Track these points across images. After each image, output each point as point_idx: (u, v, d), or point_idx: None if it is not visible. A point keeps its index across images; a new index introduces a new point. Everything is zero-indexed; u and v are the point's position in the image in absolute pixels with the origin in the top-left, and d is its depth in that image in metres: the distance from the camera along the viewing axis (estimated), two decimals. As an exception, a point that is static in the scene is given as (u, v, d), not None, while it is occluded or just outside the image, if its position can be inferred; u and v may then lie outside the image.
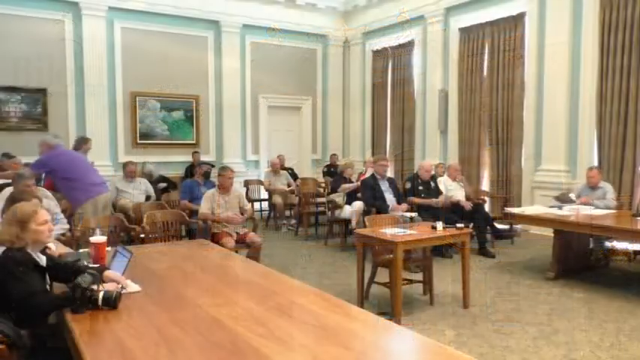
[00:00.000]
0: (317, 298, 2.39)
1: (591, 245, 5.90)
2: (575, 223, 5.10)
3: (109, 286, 2.32)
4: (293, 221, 8.51)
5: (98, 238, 3.05)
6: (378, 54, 10.89)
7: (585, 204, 5.64)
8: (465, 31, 8.79)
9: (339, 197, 7.04)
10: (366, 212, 6.45)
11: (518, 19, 7.94)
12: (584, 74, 7.01)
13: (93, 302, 2.16)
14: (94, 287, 2.22)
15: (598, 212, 5.43)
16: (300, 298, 2.37)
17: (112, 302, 2.18)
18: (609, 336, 3.79)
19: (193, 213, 5.77)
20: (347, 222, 6.92)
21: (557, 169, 7.28)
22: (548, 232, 5.73)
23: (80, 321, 2.07)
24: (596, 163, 6.87)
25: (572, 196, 6.08)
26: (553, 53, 7.34)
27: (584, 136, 7.05)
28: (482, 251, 6.44)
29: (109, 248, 3.25)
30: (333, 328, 1.98)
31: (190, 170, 9.07)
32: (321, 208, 8.06)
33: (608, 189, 5.91)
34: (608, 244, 6.08)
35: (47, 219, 2.43)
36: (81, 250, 3.57)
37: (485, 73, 8.52)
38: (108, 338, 1.92)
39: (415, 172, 6.95)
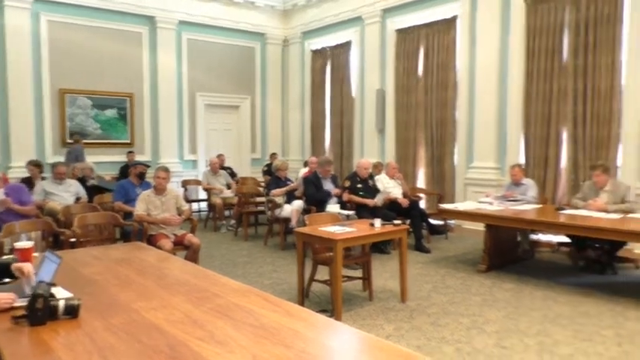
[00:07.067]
0: (257, 298, 2.38)
1: (518, 238, 6.24)
2: (503, 217, 5.37)
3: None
4: (232, 221, 8.42)
5: (24, 243, 2.89)
6: (316, 53, 10.97)
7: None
8: (401, 33, 9.01)
9: (278, 197, 7.04)
10: (305, 211, 6.50)
11: (451, 22, 8.24)
12: (512, 76, 7.37)
13: (53, 312, 2.03)
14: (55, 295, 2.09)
15: (525, 207, 5.74)
16: (240, 299, 2.35)
17: (74, 311, 2.07)
18: (535, 323, 4.02)
19: (128, 215, 5.58)
20: (287, 221, 6.93)
21: (488, 167, 7.63)
22: (480, 227, 5.99)
23: (3, 333, 1.95)
24: (523, 161, 7.25)
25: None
26: (483, 56, 7.67)
27: (513, 135, 7.42)
28: (419, 247, 6.65)
29: (36, 254, 3.09)
30: (274, 328, 1.99)
31: (125, 171, 8.77)
32: (260, 208, 8.01)
33: (529, 185, 6.27)
34: (534, 236, 6.45)
35: None
36: (4, 257, 3.37)
37: (420, 73, 8.78)
38: (36, 351, 1.83)
39: (354, 170, 7.07)
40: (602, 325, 3.96)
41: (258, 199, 8.18)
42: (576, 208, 5.46)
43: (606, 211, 5.14)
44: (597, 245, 5.51)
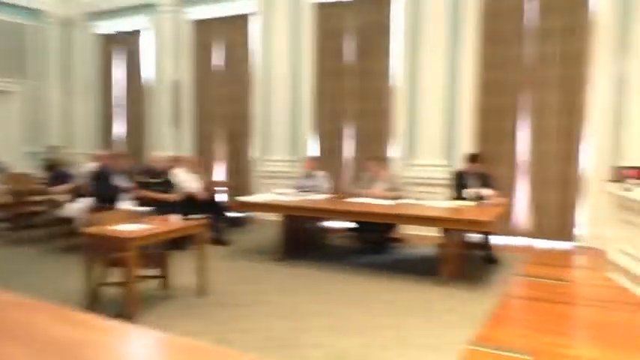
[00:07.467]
0: (39, 309, 2.13)
1: (312, 226, 6.70)
2: (297, 207, 5.72)
3: None
4: (5, 224, 7.32)
5: None
6: (105, 38, 10.13)
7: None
8: (197, 24, 8.89)
9: (62, 195, 6.37)
10: (94, 209, 5.99)
11: (246, 18, 8.42)
12: (303, 75, 7.90)
13: None
14: None
15: (317, 197, 6.20)
16: (18, 313, 2.07)
17: None
18: (329, 305, 4.37)
19: None
20: (72, 221, 6.30)
21: (282, 159, 8.06)
22: (278, 218, 6.27)
23: None
24: (316, 154, 7.83)
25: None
26: (276, 54, 8.06)
27: (305, 129, 7.98)
28: (218, 240, 6.67)
29: None
30: (60, 341, 1.80)
31: None
32: (40, 207, 7.13)
33: (321, 176, 6.83)
34: (325, 224, 7.00)
35: None
36: None
37: (217, 67, 8.79)
38: None
39: (148, 164, 6.78)
40: (384, 300, 4.51)
41: (37, 198, 7.26)
42: (358, 196, 6.11)
43: (382, 197, 5.86)
44: (376, 228, 6.25)
